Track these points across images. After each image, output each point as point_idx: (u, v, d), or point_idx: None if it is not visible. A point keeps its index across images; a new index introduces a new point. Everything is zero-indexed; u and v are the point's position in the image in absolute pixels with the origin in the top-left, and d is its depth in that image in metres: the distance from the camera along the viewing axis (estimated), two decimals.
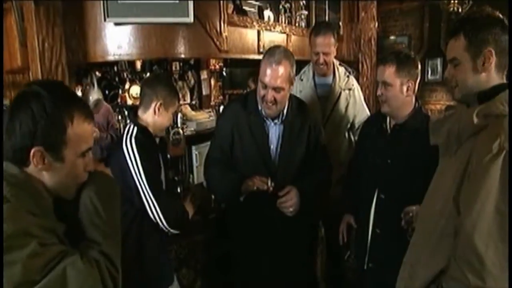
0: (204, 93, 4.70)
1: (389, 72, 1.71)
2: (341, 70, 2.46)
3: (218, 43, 2.21)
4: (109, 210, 1.02)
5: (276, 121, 1.88)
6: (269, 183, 1.76)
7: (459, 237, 1.06)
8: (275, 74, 1.72)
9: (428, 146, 1.62)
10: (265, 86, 1.75)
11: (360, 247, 1.97)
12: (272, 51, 1.78)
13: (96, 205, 1.00)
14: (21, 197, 0.91)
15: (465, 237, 1.03)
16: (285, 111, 1.87)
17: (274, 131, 1.89)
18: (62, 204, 1.01)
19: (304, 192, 1.82)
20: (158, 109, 1.70)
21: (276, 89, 1.74)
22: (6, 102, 3.10)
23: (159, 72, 3.56)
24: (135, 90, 3.61)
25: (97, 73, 3.10)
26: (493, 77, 1.11)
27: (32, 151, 0.91)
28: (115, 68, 3.88)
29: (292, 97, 1.94)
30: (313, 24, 3.35)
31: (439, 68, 5.30)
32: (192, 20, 2.00)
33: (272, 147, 1.88)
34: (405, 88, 1.72)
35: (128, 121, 3.05)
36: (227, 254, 2.08)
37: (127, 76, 3.95)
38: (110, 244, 0.98)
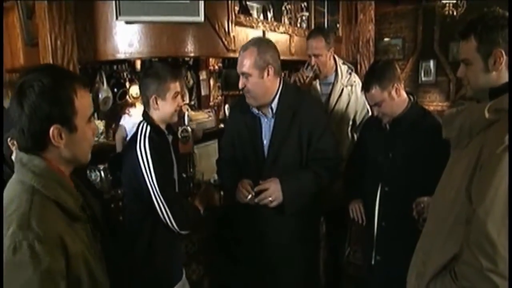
0: (203, 93, 4.72)
1: (376, 93, 1.80)
2: (343, 68, 2.55)
3: (226, 42, 2.25)
4: None
5: (268, 116, 1.90)
6: (250, 195, 1.79)
7: (471, 224, 1.12)
8: (240, 60, 1.82)
9: (427, 136, 1.70)
10: (239, 75, 1.85)
11: (367, 242, 2.03)
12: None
13: None
14: (48, 186, 0.98)
15: (478, 223, 1.09)
16: (273, 104, 1.87)
17: (267, 126, 1.92)
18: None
19: (287, 184, 1.79)
20: (156, 103, 1.69)
21: (244, 75, 1.81)
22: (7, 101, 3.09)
23: (147, 66, 3.49)
24: (135, 90, 3.62)
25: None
26: (504, 75, 1.17)
27: (51, 130, 0.99)
28: (115, 67, 3.88)
29: (286, 89, 1.91)
30: (313, 25, 3.43)
31: (433, 70, 5.43)
32: (202, 19, 2.04)
33: (265, 142, 1.91)
34: (394, 93, 1.81)
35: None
36: (234, 250, 2.12)
37: (126, 76, 3.94)
38: None
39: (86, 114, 1.07)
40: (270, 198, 1.78)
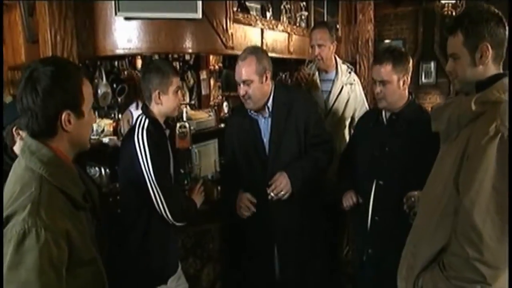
0: (203, 93, 4.74)
1: (386, 70, 1.81)
2: (343, 67, 2.60)
3: (224, 39, 2.27)
4: None
5: (265, 116, 2.00)
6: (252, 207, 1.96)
7: (459, 215, 1.14)
8: (240, 69, 1.90)
9: (423, 133, 1.71)
10: (239, 84, 1.93)
11: (360, 236, 2.04)
12: (241, 52, 1.96)
13: None
14: (55, 175, 1.02)
15: (465, 214, 1.11)
16: (269, 104, 1.98)
17: (265, 125, 2.01)
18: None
19: (294, 176, 1.91)
20: (159, 98, 1.73)
21: (245, 82, 1.90)
22: (9, 98, 3.13)
23: (149, 61, 3.53)
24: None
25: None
26: (490, 68, 1.20)
27: (63, 116, 1.05)
28: (116, 63, 3.90)
29: (278, 89, 2.02)
30: (313, 25, 3.45)
31: (433, 72, 5.46)
32: (200, 16, 2.07)
33: (265, 141, 2.01)
34: (401, 83, 1.83)
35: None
36: (234, 244, 2.14)
37: (127, 74, 3.97)
38: None
39: (90, 101, 1.14)
40: (282, 192, 1.89)
